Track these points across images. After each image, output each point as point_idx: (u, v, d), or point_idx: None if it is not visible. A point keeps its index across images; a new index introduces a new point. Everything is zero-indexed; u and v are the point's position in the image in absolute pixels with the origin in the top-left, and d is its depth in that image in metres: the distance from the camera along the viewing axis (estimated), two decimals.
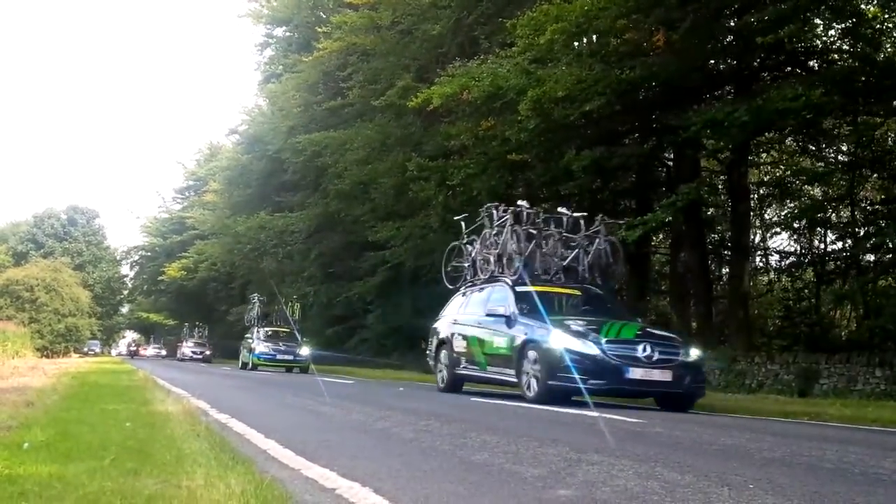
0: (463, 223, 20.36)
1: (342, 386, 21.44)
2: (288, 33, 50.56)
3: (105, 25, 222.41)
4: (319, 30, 36.71)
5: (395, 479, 5.58)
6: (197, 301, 79.85)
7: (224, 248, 56.51)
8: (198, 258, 67.24)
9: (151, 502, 4.50)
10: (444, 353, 18.52)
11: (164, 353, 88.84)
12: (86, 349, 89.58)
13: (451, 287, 20.28)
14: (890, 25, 20.85)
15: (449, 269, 20.75)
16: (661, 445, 8.07)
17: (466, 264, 19.68)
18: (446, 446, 7.38)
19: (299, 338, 38.14)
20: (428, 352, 20.26)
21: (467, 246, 19.90)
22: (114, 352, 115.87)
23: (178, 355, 68.86)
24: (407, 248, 32.43)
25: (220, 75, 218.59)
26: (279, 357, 36.41)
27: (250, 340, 39.03)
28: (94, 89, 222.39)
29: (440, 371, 18.72)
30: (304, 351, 36.17)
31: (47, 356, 63.08)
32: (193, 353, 65.35)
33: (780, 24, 18.55)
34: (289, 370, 36.11)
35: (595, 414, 11.53)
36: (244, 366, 38.82)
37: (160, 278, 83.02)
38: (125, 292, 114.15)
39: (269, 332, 39.23)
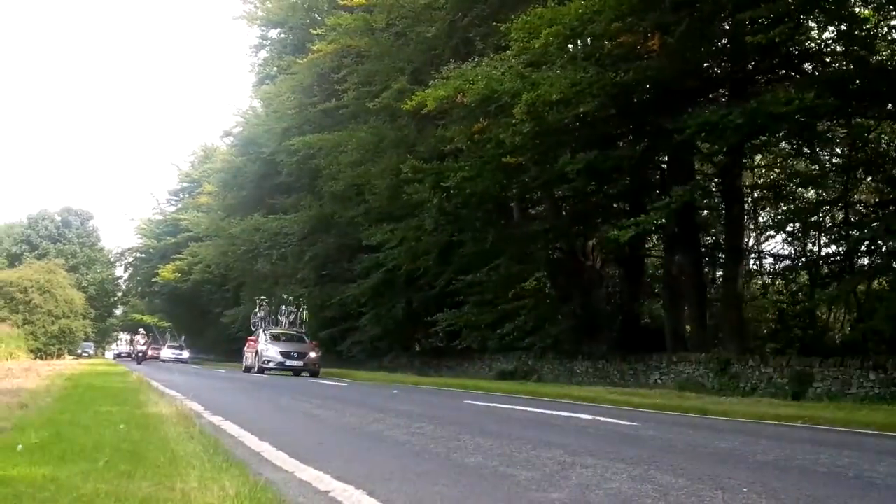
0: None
1: (336, 388, 21.47)
2: (282, 35, 50.47)
3: (100, 27, 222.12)
4: (314, 32, 36.62)
5: (389, 482, 5.59)
6: (191, 303, 79.83)
7: (218, 250, 56.49)
8: (192, 260, 67.21)
9: None
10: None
11: (185, 355, 77.98)
12: (80, 351, 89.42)
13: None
14: (885, 29, 20.87)
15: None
16: (655, 448, 8.08)
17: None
18: (440, 449, 7.38)
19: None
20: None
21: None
22: (108, 354, 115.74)
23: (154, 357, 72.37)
24: (401, 251, 32.42)
25: (214, 77, 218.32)
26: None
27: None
28: (88, 91, 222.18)
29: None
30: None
31: (41, 358, 62.97)
32: (175, 356, 72.81)
33: (774, 24, 18.55)
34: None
35: (589, 417, 11.54)
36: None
37: (154, 280, 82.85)
38: (119, 294, 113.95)
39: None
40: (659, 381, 22.50)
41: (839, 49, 21.55)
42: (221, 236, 53.87)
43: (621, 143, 24.34)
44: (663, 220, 21.65)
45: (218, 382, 25.40)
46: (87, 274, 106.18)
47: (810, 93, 17.65)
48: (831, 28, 21.03)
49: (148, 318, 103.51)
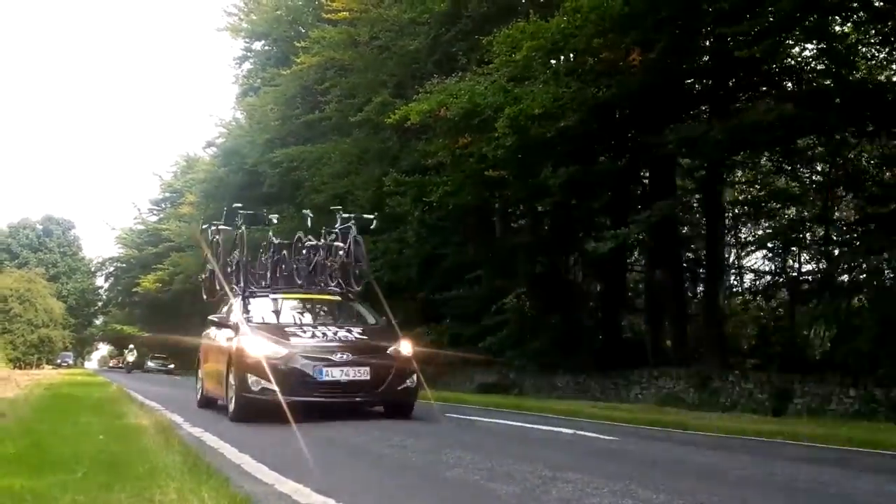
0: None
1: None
2: (266, 47, 50.50)
3: (83, 36, 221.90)
4: (298, 44, 36.64)
5: (368, 495, 5.59)
6: (171, 313, 79.53)
7: (199, 260, 56.44)
8: (173, 270, 67.15)
9: None
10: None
11: (170, 365, 76.29)
12: (59, 361, 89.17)
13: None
14: (864, 47, 20.97)
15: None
16: (636, 463, 8.09)
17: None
18: (420, 462, 7.38)
19: None
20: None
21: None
22: (88, 364, 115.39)
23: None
24: (382, 263, 32.42)
25: (197, 88, 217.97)
26: None
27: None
28: (71, 100, 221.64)
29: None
30: None
31: (20, 367, 62.88)
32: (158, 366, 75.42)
33: (757, 39, 18.64)
34: None
35: (570, 431, 11.55)
36: None
37: (135, 290, 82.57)
38: (99, 304, 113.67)
39: None
40: (640, 396, 22.51)
41: (820, 66, 21.66)
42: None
43: (603, 157, 24.39)
44: (643, 235, 21.67)
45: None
46: (67, 283, 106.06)
47: (788, 105, 17.75)
48: (810, 45, 21.13)
49: (127, 329, 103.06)
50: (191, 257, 59.06)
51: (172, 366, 72.48)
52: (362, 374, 12.57)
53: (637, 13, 19.33)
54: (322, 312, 15.50)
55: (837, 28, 20.27)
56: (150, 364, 76.74)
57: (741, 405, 18.96)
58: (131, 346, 70.92)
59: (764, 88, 22.43)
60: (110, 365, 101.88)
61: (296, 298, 15.33)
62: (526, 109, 20.42)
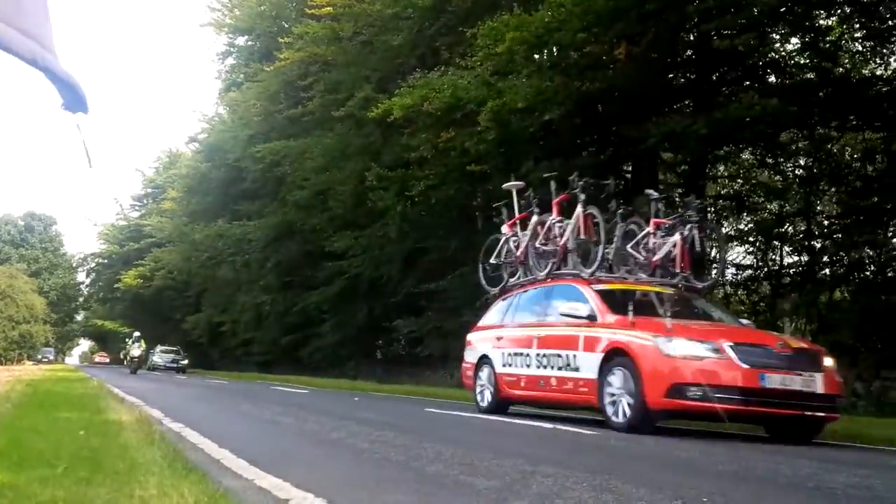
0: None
1: (297, 395, 21.41)
2: (250, 42, 50.48)
3: (65, 31, 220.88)
4: (281, 40, 36.64)
5: (349, 490, 5.56)
6: (153, 309, 79.45)
7: (181, 256, 56.50)
8: (154, 266, 67.09)
9: None
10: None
11: (185, 361, 61.77)
12: (40, 356, 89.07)
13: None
14: (848, 40, 21.05)
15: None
16: (616, 457, 8.09)
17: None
18: (400, 457, 7.36)
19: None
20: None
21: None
22: (69, 360, 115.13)
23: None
24: (365, 259, 32.41)
25: (180, 83, 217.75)
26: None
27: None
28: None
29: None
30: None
31: (0, 363, 62.61)
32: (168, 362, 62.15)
33: (739, 33, 18.70)
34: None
35: (550, 426, 11.55)
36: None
37: (116, 286, 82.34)
38: (81, 300, 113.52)
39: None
40: None
41: (803, 60, 21.72)
42: (185, 242, 54.05)
43: (585, 152, 24.39)
44: None
45: (178, 388, 25.26)
46: (48, 279, 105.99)
47: (773, 100, 17.78)
48: (795, 39, 21.19)
49: (109, 324, 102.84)
50: (172, 253, 59.00)
51: (186, 361, 59.93)
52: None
53: (622, 7, 19.34)
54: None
55: (822, 22, 20.33)
56: (157, 359, 60.17)
57: None
58: (137, 333, 52.72)
59: (748, 82, 22.49)
60: (95, 360, 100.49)
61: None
62: (509, 103, 20.43)
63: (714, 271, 15.02)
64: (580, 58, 21.38)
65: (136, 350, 47.43)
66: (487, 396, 14.68)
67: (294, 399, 18.62)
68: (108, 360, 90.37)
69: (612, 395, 11.19)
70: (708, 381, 10.23)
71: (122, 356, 73.48)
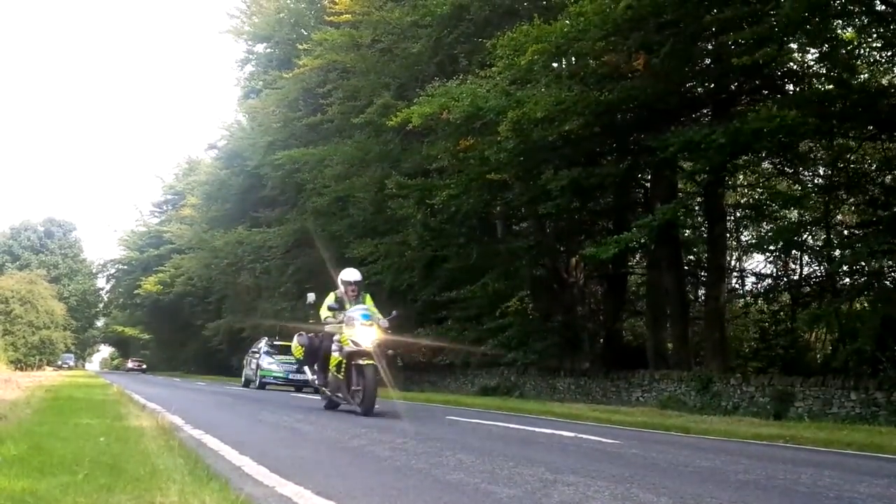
0: None
1: (317, 402, 21.39)
2: (269, 50, 50.52)
3: (86, 38, 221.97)
4: (300, 47, 36.68)
5: (370, 498, 5.57)
6: (172, 315, 79.66)
7: (201, 263, 56.51)
8: (174, 272, 67.22)
9: None
10: None
11: (144, 366, 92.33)
12: (60, 362, 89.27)
13: None
14: (866, 50, 20.96)
15: None
16: (637, 466, 8.08)
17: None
18: (421, 465, 7.37)
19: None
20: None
21: None
22: (89, 366, 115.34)
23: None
24: (385, 266, 32.38)
25: (199, 90, 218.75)
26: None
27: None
28: (73, 102, 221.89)
29: None
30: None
31: (21, 369, 62.83)
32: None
33: (758, 45, 18.63)
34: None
35: (571, 434, 11.54)
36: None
37: (136, 292, 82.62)
38: (100, 305, 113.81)
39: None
40: (641, 399, 22.51)
41: (822, 70, 21.65)
42: (204, 249, 53.98)
43: (605, 161, 24.37)
44: (644, 239, 21.61)
45: (198, 395, 25.27)
46: (68, 285, 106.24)
47: (792, 111, 17.72)
48: (813, 50, 21.12)
49: (129, 330, 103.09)
50: (192, 259, 59.14)
51: (145, 366, 75.13)
52: None
53: (640, 17, 19.34)
54: None
55: (840, 32, 20.25)
56: (130, 364, 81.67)
57: (742, 408, 18.96)
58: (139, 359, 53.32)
59: (766, 92, 22.43)
60: (129, 366, 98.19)
61: None
62: (528, 113, 20.41)
63: None
64: (598, 67, 21.35)
65: (131, 365, 46.91)
66: None
67: (314, 406, 18.62)
68: (144, 367, 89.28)
69: None
70: None
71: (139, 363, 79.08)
